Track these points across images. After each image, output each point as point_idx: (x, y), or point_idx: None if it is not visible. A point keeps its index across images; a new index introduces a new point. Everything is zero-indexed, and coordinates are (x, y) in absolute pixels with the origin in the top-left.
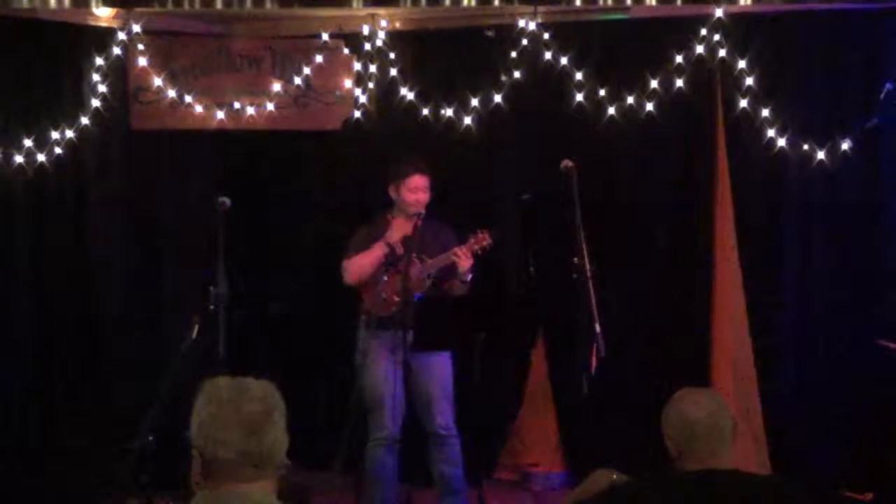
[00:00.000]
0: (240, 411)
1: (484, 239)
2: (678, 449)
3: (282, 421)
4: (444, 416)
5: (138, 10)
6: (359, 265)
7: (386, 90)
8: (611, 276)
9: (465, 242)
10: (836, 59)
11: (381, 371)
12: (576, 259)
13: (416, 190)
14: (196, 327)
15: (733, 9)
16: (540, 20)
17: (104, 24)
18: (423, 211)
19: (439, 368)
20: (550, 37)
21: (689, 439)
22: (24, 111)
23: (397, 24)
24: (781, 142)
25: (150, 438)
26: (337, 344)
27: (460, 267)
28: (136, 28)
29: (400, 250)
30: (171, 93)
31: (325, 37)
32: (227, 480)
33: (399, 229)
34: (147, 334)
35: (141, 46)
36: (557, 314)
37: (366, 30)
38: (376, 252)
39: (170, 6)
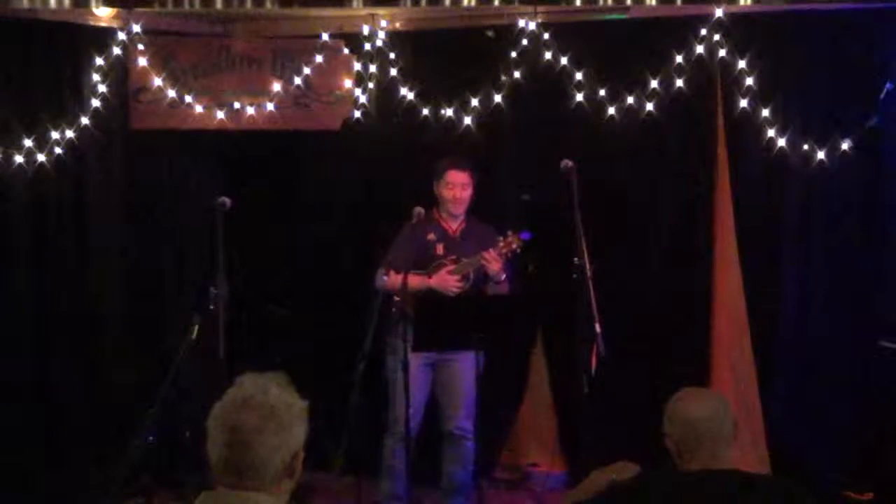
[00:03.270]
0: (232, 418)
1: (513, 242)
2: (679, 448)
3: (281, 435)
4: (461, 418)
5: (138, 10)
6: (392, 287)
7: (386, 90)
8: (611, 276)
9: (495, 245)
10: (836, 59)
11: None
12: (576, 259)
13: (452, 186)
14: (196, 327)
15: (733, 9)
16: (540, 20)
17: (104, 24)
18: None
19: (463, 369)
20: (550, 37)
21: (690, 438)
22: (24, 111)
23: (397, 24)
24: (781, 142)
25: (150, 438)
26: (337, 344)
27: (489, 270)
28: (136, 28)
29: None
30: (171, 93)
31: (325, 37)
32: (217, 482)
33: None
34: (147, 334)
35: (141, 46)
36: (557, 314)
37: (366, 30)
38: (414, 284)
39: (170, 6)
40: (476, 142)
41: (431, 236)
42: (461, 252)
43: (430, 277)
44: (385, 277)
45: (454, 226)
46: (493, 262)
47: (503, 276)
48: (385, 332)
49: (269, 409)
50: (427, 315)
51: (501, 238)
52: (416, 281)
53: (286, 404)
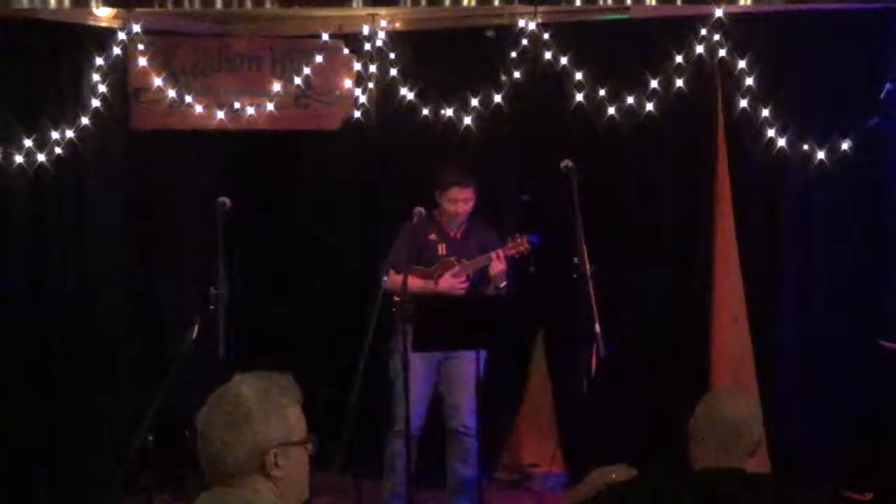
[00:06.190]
0: (200, 415)
1: (521, 244)
2: (697, 438)
3: (238, 431)
4: (465, 415)
5: (138, 10)
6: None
7: (386, 90)
8: (611, 276)
9: (503, 245)
10: (836, 59)
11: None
12: (576, 259)
13: (454, 201)
14: (196, 327)
15: (733, 9)
16: (540, 20)
17: (104, 24)
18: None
19: (467, 367)
20: (550, 37)
21: (709, 431)
22: (24, 111)
23: (397, 24)
24: (781, 142)
25: (150, 438)
26: (337, 343)
27: (492, 270)
28: (136, 28)
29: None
30: (171, 93)
31: (325, 37)
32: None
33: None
34: (147, 335)
35: (141, 46)
36: (557, 314)
37: (366, 30)
38: (420, 287)
39: (170, 6)
40: (476, 142)
41: (433, 236)
42: (462, 252)
43: (436, 283)
44: (395, 277)
45: (455, 228)
46: (498, 261)
47: (504, 283)
48: (388, 331)
49: (230, 405)
50: (430, 315)
51: (510, 238)
52: (420, 283)
53: (248, 401)
